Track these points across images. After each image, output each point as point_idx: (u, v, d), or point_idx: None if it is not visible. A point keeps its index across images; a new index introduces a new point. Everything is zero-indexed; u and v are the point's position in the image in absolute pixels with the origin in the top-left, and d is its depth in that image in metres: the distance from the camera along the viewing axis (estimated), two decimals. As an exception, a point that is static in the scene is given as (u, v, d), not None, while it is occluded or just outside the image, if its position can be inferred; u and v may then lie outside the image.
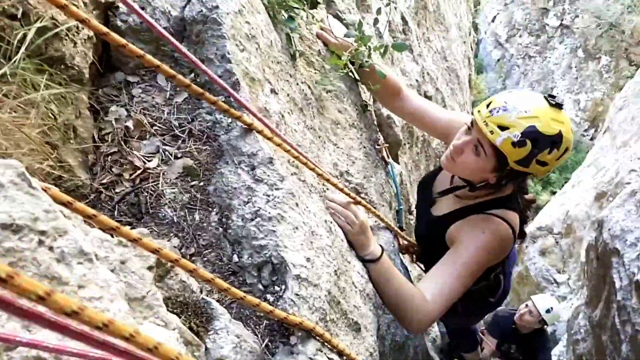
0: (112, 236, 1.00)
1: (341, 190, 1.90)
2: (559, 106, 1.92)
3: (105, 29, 1.05)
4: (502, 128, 1.87)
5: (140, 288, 0.97)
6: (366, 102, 2.75)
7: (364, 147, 2.65)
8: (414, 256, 2.98)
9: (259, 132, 1.49)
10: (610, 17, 20.27)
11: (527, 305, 5.19)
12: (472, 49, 6.02)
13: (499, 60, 26.49)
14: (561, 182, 17.44)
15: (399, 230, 2.73)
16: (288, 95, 1.95)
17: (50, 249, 0.81)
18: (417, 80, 3.96)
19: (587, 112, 21.93)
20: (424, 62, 3.87)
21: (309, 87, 2.23)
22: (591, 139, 20.08)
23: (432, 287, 2.02)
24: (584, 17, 21.42)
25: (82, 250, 0.86)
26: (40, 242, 0.79)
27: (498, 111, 1.89)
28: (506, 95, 1.97)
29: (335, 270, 1.62)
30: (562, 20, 22.89)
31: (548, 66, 23.91)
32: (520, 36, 25.09)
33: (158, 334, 0.96)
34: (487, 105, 1.95)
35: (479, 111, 1.97)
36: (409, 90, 2.62)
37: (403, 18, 3.60)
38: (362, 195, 2.48)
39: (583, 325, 3.80)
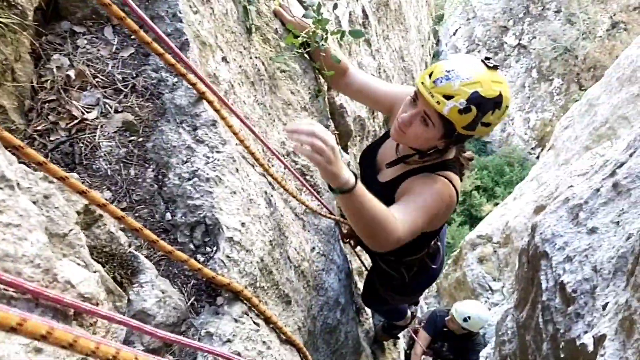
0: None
1: (280, 160, 1.87)
2: (495, 67, 1.99)
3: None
4: (448, 97, 1.91)
5: (63, 225, 0.95)
6: (320, 87, 2.76)
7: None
8: (353, 243, 3.02)
9: (202, 94, 1.48)
10: (566, 42, 21.07)
11: (450, 313, 5.38)
12: (430, 54, 6.12)
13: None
14: (505, 196, 18.01)
15: (341, 219, 2.76)
16: (240, 67, 1.95)
17: (-31, 169, 0.78)
18: (372, 75, 4.01)
19: (536, 131, 22.72)
20: (381, 59, 3.92)
21: (263, 63, 2.23)
22: (537, 157, 20.83)
23: (400, 216, 1.99)
24: (541, 39, 22.19)
25: (4, 176, 0.83)
26: (-43, 160, 0.77)
27: (441, 81, 1.92)
28: (446, 64, 2.00)
29: (270, 241, 1.62)
30: (520, 40, 23.64)
31: (503, 83, 24.61)
32: (479, 51, 25.73)
33: (77, 273, 0.94)
34: (430, 75, 1.97)
35: (422, 82, 1.99)
36: (354, 68, 2.63)
37: (364, 11, 3.64)
38: (308, 177, 2.50)
39: (510, 327, 3.94)
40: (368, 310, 4.12)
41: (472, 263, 9.51)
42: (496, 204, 16.46)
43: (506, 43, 24.32)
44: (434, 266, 2.84)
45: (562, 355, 2.42)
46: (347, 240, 3.00)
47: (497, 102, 1.95)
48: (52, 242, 0.92)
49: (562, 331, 2.45)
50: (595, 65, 20.09)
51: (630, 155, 2.59)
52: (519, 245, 8.21)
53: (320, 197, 2.59)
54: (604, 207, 2.55)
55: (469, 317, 5.02)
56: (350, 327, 3.03)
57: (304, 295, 1.98)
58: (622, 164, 2.60)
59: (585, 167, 5.69)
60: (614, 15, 20.38)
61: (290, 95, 2.47)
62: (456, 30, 27.16)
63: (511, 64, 24.23)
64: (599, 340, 1.86)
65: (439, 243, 2.82)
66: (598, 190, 2.72)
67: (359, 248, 3.30)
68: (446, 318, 5.42)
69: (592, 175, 3.08)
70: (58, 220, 0.95)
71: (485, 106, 1.94)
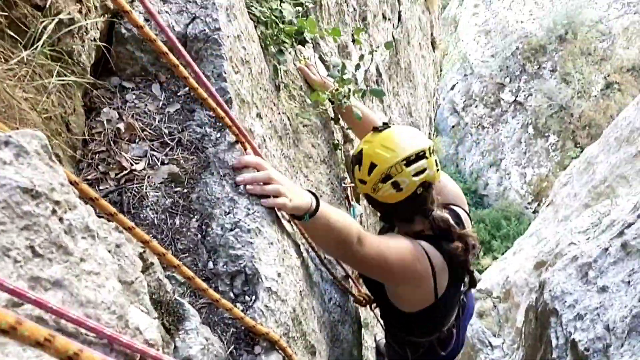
0: (109, 221, 1.04)
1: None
2: (375, 129, 2.24)
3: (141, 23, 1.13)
4: None
5: (131, 273, 1.01)
6: (338, 141, 2.87)
7: (332, 184, 2.76)
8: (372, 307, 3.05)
9: (244, 147, 1.57)
10: (561, 100, 21.59)
11: None
12: (434, 110, 6.32)
13: (454, 126, 27.60)
14: (502, 249, 18.04)
15: (355, 281, 2.81)
16: (270, 122, 2.05)
17: (61, 219, 0.85)
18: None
19: (532, 186, 22.94)
20: (392, 114, 4.05)
21: (288, 118, 2.33)
22: (534, 212, 20.98)
23: (371, 239, 2.02)
24: (537, 97, 22.73)
25: (87, 227, 0.90)
26: (54, 212, 0.83)
27: None
28: None
29: (300, 291, 1.68)
30: (516, 96, 24.18)
31: (499, 138, 25.05)
32: (476, 106, 26.28)
33: (142, 320, 1.00)
34: None
35: None
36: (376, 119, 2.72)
37: (377, 70, 3.80)
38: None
39: (516, 383, 3.92)
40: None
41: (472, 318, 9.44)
42: (494, 258, 16.48)
43: (503, 99, 24.89)
44: (442, 353, 2.67)
45: (575, 414, 2.43)
46: (364, 304, 2.98)
47: (358, 159, 2.22)
48: (123, 289, 0.98)
49: (575, 389, 2.47)
50: (590, 123, 20.55)
51: (638, 217, 2.67)
52: (519, 300, 8.21)
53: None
54: (614, 267, 2.61)
55: None
56: (361, 380, 3.03)
57: (325, 346, 2.01)
58: (630, 225, 2.68)
59: (586, 224, 5.77)
60: (608, 75, 21.01)
61: (312, 148, 2.57)
62: (454, 85, 27.80)
63: (507, 120, 24.72)
64: (620, 399, 1.90)
65: (453, 330, 2.67)
66: (607, 249, 2.79)
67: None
68: None
69: (599, 235, 3.15)
70: (127, 268, 1.01)
71: (353, 163, 2.28)
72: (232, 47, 1.70)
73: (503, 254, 13.62)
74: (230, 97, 1.62)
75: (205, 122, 1.61)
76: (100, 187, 1.48)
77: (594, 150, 8.96)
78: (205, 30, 1.66)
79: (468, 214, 2.52)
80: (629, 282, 2.41)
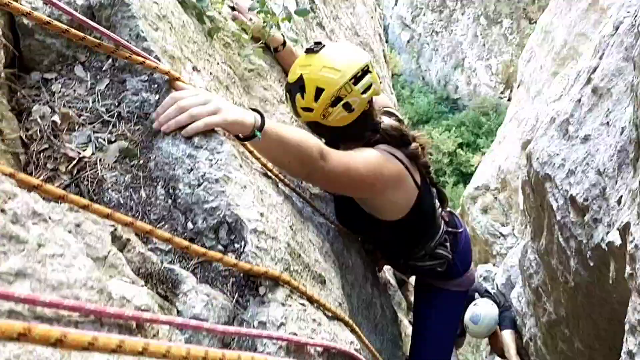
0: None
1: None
2: (310, 51, 2.09)
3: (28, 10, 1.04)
4: None
5: (100, 248, 0.97)
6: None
7: (296, 121, 2.70)
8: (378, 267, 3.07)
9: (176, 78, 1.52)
10: (504, -18, 21.37)
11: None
12: (380, 25, 6.18)
13: (408, 41, 27.33)
14: (488, 145, 18.21)
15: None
16: (211, 73, 1.97)
17: (2, 210, 0.80)
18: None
19: (500, 75, 22.98)
20: (337, 39, 3.95)
21: (230, 67, 2.25)
22: (508, 100, 21.07)
23: (335, 152, 1.95)
24: (480, -14, 22.46)
25: (35, 212, 0.85)
26: (-10, 205, 0.78)
27: None
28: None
29: (290, 226, 1.65)
30: (460, -8, 23.86)
31: (456, 38, 24.89)
32: (424, 15, 25.96)
33: (128, 289, 0.96)
34: None
35: None
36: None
37: (310, -2, 3.68)
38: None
39: (533, 259, 3.99)
40: (394, 282, 4.16)
41: (477, 215, 9.61)
42: (484, 155, 16.65)
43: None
44: (460, 230, 2.71)
45: (591, 264, 2.47)
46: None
47: (299, 86, 2.06)
48: (96, 265, 0.94)
49: (584, 242, 2.50)
50: (538, -4, 20.39)
51: (600, 58, 2.65)
52: (517, 184, 8.33)
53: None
54: (590, 114, 2.60)
55: (467, 326, 5.07)
56: (384, 300, 3.07)
57: (334, 274, 2.01)
58: (595, 69, 2.66)
59: (558, 90, 5.78)
60: (542, -56, 20.70)
61: (265, 91, 2.50)
62: (397, 0, 27.33)
63: (458, 18, 24.49)
64: (624, 230, 1.91)
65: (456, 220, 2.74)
66: (580, 100, 2.78)
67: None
68: None
69: (569, 90, 3.14)
70: (95, 244, 0.97)
71: (292, 92, 2.11)
72: (142, 5, 1.60)
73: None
74: (156, 56, 1.54)
75: (140, 88, 1.53)
76: (56, 184, 1.42)
77: (547, 18, 8.90)
78: (108, -6, 1.56)
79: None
80: (607, 122, 2.41)
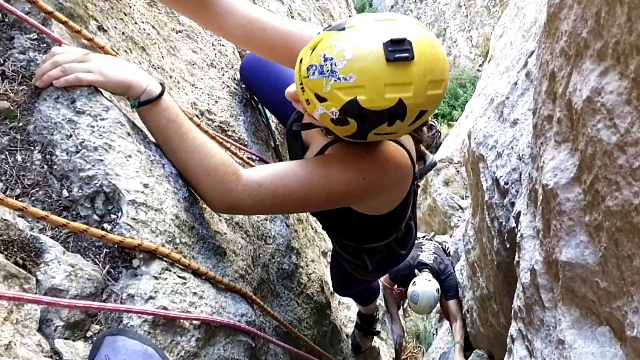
0: None
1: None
2: (400, 60, 1.31)
3: None
4: (320, 98, 1.41)
5: None
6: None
7: (228, 87, 2.65)
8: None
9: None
10: (489, -49, 21.07)
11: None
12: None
13: (392, 7, 26.96)
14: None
15: None
16: (123, 33, 1.90)
17: None
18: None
19: (480, 48, 22.88)
20: (292, 2, 3.85)
21: (154, 27, 2.17)
22: (485, 73, 21.04)
23: (260, 170, 1.65)
24: (465, -45, 22.13)
25: None
26: None
27: (314, 72, 1.38)
28: (335, 37, 1.37)
29: (185, 197, 1.63)
30: (446, -41, 23.50)
31: (439, 7, 24.62)
32: (408, -19, 25.53)
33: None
34: (311, 52, 1.42)
35: (301, 60, 1.46)
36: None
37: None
38: (230, 132, 2.49)
39: (472, 235, 4.06)
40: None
41: (439, 187, 9.70)
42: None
43: (433, -34, 24.20)
44: (402, 252, 2.40)
45: (507, 246, 2.52)
46: None
47: (394, 114, 1.39)
48: None
49: (503, 223, 2.55)
50: (522, -31, 20.17)
51: (537, 43, 2.63)
52: (478, 159, 8.40)
53: (249, 149, 2.59)
54: (522, 98, 2.61)
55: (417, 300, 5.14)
56: (312, 269, 3.09)
57: (242, 245, 2.00)
58: (531, 53, 2.65)
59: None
60: None
61: (193, 54, 2.44)
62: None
63: (443, -13, 24.15)
64: (517, 218, 1.94)
65: (411, 223, 2.34)
66: (516, 83, 2.78)
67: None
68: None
69: (509, 71, 3.13)
70: None
71: (372, 119, 1.40)
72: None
73: (462, 121, 13.78)
74: (45, 15, 1.48)
75: (28, 47, 1.47)
76: None
77: (521, -7, 8.81)
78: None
79: None
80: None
